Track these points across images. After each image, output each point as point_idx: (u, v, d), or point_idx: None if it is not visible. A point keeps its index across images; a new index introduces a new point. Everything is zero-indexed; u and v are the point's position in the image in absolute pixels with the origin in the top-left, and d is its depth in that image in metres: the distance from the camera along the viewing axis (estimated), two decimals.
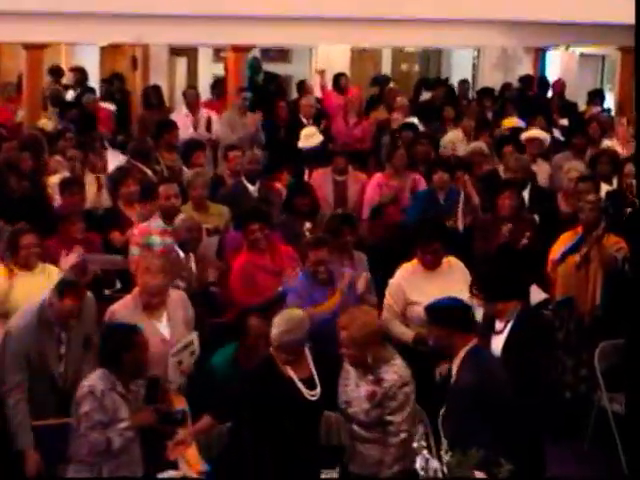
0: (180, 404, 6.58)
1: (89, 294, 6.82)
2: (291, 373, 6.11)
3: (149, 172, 10.31)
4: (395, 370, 5.97)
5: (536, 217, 9.51)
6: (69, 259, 7.52)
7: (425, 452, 5.11)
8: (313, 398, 6.10)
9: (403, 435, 5.89)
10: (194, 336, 6.90)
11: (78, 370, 6.50)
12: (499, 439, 5.48)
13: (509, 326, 6.54)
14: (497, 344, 6.56)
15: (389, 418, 5.92)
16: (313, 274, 7.42)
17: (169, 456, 6.07)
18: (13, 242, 7.32)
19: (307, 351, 6.23)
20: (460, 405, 5.74)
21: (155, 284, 6.79)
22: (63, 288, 6.46)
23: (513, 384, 6.12)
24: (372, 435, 5.99)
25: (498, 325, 6.61)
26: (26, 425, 6.36)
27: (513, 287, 6.67)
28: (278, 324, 6.10)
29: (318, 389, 6.11)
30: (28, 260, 7.27)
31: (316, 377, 6.15)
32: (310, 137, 12.18)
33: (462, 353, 5.81)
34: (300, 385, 6.09)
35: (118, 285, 8.19)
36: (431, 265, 7.63)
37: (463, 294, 6.82)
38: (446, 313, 5.96)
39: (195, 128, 13.06)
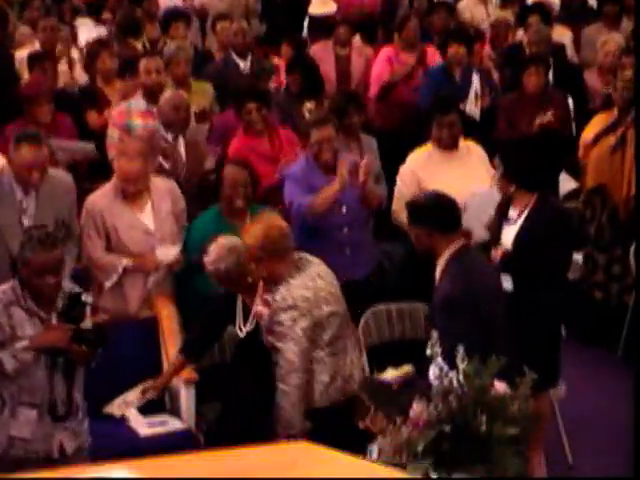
0: (166, 307, 6.52)
1: (66, 175, 6.72)
2: (239, 302, 6.08)
3: (139, 47, 10.06)
4: (284, 290, 5.68)
5: None
6: None
7: (440, 359, 5.00)
8: (240, 334, 6.06)
9: (284, 365, 5.62)
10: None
11: None
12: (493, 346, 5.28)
13: (524, 215, 6.39)
14: (508, 234, 6.42)
15: (277, 344, 5.66)
16: (315, 157, 7.06)
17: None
18: None
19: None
20: (442, 315, 5.56)
21: (132, 169, 6.59)
22: (20, 137, 6.33)
23: (524, 279, 6.18)
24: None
25: (512, 213, 6.45)
26: None
27: (543, 175, 6.49)
28: (207, 252, 6.03)
29: (247, 328, 6.03)
30: None
31: (253, 315, 6.01)
32: (324, 3, 11.79)
33: (446, 255, 5.60)
34: (238, 318, 6.07)
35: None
36: (448, 143, 7.44)
37: (483, 180, 6.84)
38: (425, 211, 5.72)
39: None
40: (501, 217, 6.52)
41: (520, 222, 6.37)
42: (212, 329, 6.20)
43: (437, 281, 5.63)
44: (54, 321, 5.51)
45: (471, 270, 5.64)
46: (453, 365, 4.93)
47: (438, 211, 5.66)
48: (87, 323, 5.47)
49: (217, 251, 5.98)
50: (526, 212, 6.38)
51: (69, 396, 5.52)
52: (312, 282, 5.71)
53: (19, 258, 5.51)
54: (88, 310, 5.51)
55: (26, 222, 6.35)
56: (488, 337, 5.48)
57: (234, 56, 9.81)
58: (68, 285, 5.65)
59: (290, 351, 5.61)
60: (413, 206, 5.84)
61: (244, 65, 9.73)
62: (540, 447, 6.26)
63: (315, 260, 5.88)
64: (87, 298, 5.65)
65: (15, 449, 5.45)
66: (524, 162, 6.45)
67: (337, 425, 5.51)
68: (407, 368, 5.82)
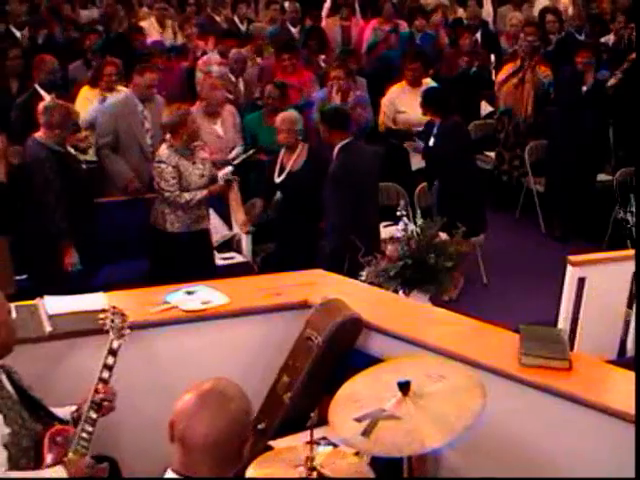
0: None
1: (160, 97, 6.39)
2: (282, 153, 5.81)
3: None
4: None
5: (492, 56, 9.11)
6: None
7: (405, 219, 4.91)
8: (277, 180, 5.79)
9: None
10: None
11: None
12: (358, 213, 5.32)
13: (435, 128, 6.31)
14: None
15: None
16: (331, 87, 6.93)
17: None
18: (99, 70, 6.82)
19: (304, 148, 5.77)
20: (328, 189, 5.36)
21: (218, 96, 6.42)
22: (143, 66, 6.15)
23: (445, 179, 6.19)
24: None
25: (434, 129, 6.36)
26: (122, 169, 5.99)
27: (444, 105, 6.37)
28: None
29: (281, 178, 5.75)
30: (109, 84, 6.70)
31: (288, 169, 5.74)
32: None
33: (338, 146, 5.41)
34: (277, 167, 5.79)
35: None
36: (413, 81, 7.12)
37: None
38: (329, 114, 5.59)
39: None
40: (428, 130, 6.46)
41: (434, 131, 6.30)
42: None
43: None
44: None
45: (352, 156, 5.43)
46: (337, 221, 5.23)
47: (336, 115, 5.56)
48: None
49: (281, 114, 5.86)
50: (437, 126, 6.29)
51: None
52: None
53: None
54: None
55: (147, 125, 6.07)
56: (359, 206, 5.37)
57: (288, 24, 9.50)
58: None
59: None
60: (322, 112, 5.77)
61: (295, 31, 9.41)
62: (461, 271, 6.14)
63: None
64: None
65: None
66: (432, 98, 6.40)
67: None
68: None
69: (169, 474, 2.05)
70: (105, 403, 2.99)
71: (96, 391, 3.00)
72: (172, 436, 2.05)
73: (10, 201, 5.13)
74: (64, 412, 3.08)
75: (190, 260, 5.19)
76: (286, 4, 10.10)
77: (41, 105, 5.22)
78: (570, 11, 10.40)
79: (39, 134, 5.12)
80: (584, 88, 7.16)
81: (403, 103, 7.07)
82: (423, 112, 6.45)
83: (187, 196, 5.21)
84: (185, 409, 2.02)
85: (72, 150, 5.49)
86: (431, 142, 6.37)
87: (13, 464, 2.81)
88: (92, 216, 5.27)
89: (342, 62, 7.35)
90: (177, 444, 2.03)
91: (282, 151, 5.79)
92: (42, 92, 6.33)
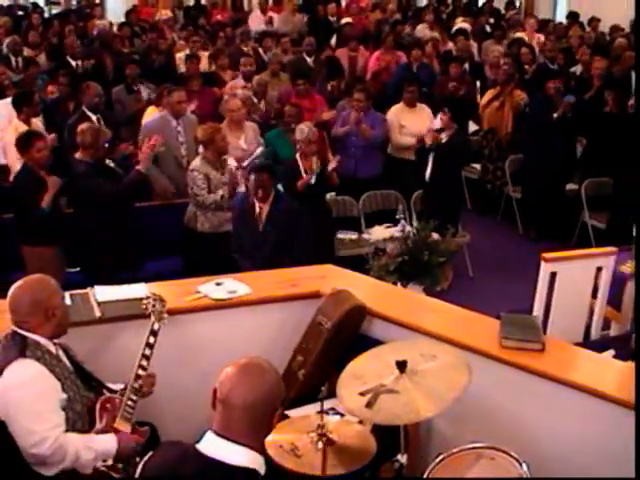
0: None
1: (193, 117, 6.28)
2: (298, 159, 5.75)
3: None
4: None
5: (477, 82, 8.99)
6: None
7: (403, 221, 4.91)
8: (312, 181, 5.65)
9: None
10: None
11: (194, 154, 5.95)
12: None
13: (449, 135, 6.25)
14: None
15: None
16: (353, 107, 6.85)
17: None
18: (162, 94, 6.67)
19: (333, 157, 5.79)
20: (281, 226, 4.90)
21: (236, 105, 6.29)
22: (173, 87, 6.10)
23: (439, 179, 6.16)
24: None
25: (443, 135, 6.28)
26: (159, 177, 5.84)
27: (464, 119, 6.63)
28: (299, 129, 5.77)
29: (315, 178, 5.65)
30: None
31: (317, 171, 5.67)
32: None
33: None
34: (302, 170, 5.71)
35: None
36: (410, 102, 7.04)
37: (427, 122, 6.76)
38: (263, 165, 5.04)
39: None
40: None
41: (445, 138, 6.25)
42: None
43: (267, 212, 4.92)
44: None
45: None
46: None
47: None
48: None
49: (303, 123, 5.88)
50: (450, 133, 6.26)
51: None
52: None
53: None
54: None
55: (181, 139, 6.00)
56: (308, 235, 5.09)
57: (305, 55, 9.30)
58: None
59: None
60: (254, 165, 5.24)
61: (310, 60, 9.24)
62: (451, 266, 6.06)
63: None
64: None
65: None
66: (459, 107, 6.48)
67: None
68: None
69: (209, 434, 2.05)
70: (144, 389, 3.01)
71: (139, 366, 3.01)
72: (214, 402, 2.06)
73: (54, 221, 5.03)
74: (114, 387, 3.11)
75: (216, 257, 5.16)
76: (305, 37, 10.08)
77: (78, 128, 5.18)
78: (542, 44, 10.35)
79: (78, 153, 5.11)
80: (555, 114, 7.08)
81: (402, 119, 7.06)
82: (446, 122, 6.31)
83: (212, 197, 5.27)
84: (229, 376, 2.04)
85: (111, 163, 5.44)
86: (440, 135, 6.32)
87: (70, 426, 2.83)
88: (130, 220, 5.23)
89: (363, 87, 7.21)
90: (219, 406, 2.03)
91: (297, 158, 5.75)
92: (89, 113, 6.31)
